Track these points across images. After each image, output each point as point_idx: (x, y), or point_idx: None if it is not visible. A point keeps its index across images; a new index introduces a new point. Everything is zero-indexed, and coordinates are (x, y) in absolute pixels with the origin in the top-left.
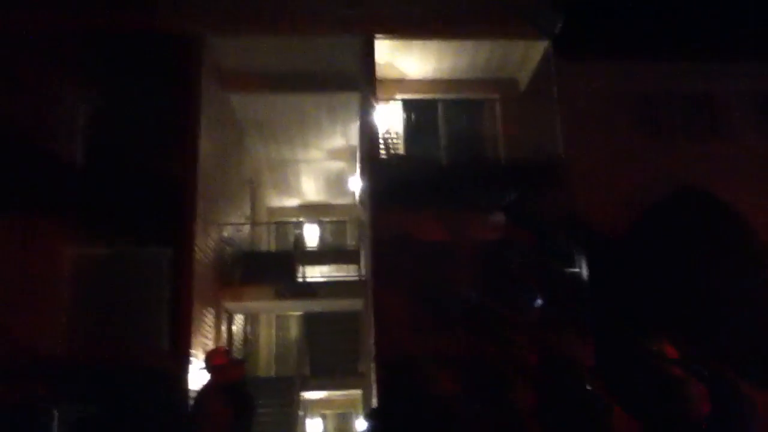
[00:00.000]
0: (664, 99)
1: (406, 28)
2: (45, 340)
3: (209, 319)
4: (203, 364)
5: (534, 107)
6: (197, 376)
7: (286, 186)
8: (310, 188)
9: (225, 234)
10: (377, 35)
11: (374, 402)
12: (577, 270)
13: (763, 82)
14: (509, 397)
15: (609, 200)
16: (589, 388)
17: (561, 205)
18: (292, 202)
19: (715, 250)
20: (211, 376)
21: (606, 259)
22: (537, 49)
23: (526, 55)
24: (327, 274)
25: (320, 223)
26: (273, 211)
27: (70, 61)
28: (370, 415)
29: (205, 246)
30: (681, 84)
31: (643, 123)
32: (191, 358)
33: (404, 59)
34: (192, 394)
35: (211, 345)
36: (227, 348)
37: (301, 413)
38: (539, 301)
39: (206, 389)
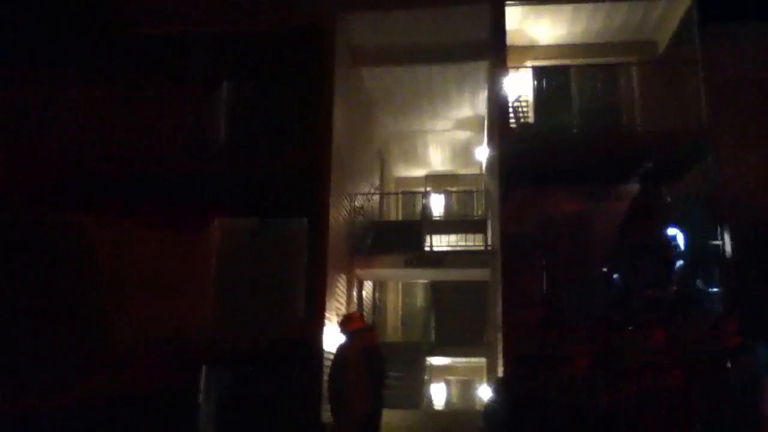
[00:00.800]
0: None
1: None
2: (196, 316)
3: (342, 285)
4: (341, 328)
5: (675, 72)
6: (333, 340)
7: (414, 156)
8: (438, 158)
9: (356, 204)
10: (507, 1)
11: (499, 371)
12: (719, 243)
13: None
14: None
15: (757, 176)
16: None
17: (704, 179)
18: (419, 172)
19: None
20: (349, 340)
21: (750, 237)
22: (679, 8)
23: (666, 15)
24: (453, 244)
25: (447, 193)
26: (401, 181)
27: (216, 59)
28: (497, 385)
29: (339, 216)
30: None
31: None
32: (326, 323)
33: (535, 25)
34: (329, 357)
35: (343, 310)
36: (358, 313)
37: (426, 378)
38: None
39: (346, 352)
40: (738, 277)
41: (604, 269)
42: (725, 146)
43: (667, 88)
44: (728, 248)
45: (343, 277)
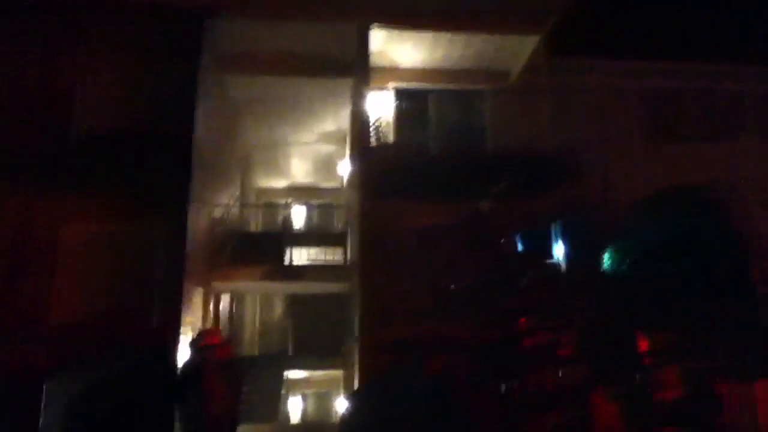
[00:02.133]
0: (661, 97)
1: (401, 18)
2: (42, 315)
3: (198, 298)
4: (194, 343)
5: (525, 100)
6: (186, 354)
7: (276, 167)
8: (300, 170)
9: (215, 214)
10: (373, 23)
11: (355, 384)
12: (557, 261)
13: (760, 83)
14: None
15: (611, 194)
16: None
17: (551, 198)
18: (281, 183)
19: (700, 249)
20: (204, 355)
21: (591, 253)
22: (529, 42)
23: (518, 48)
24: (314, 257)
25: (309, 206)
26: (262, 191)
27: (75, 29)
28: (352, 396)
29: (197, 225)
30: (679, 82)
31: (640, 121)
32: (181, 336)
33: (398, 48)
34: (187, 372)
35: (199, 324)
36: (218, 328)
37: (282, 392)
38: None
39: (200, 366)
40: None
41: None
42: (571, 169)
43: (518, 115)
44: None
45: (200, 289)
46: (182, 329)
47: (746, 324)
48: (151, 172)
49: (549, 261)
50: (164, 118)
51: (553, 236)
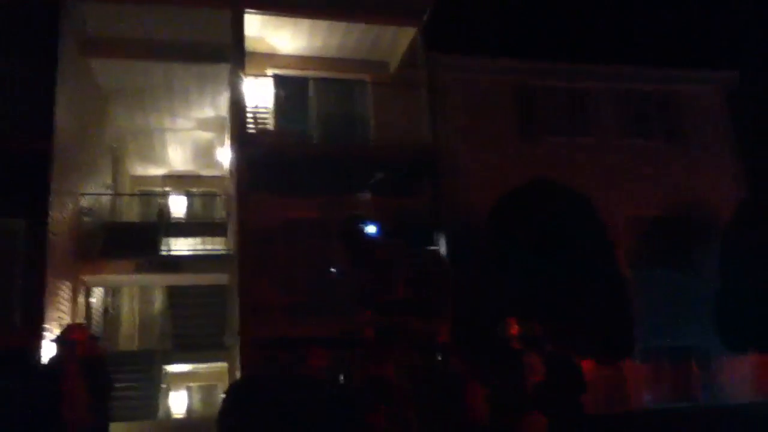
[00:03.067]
0: (536, 95)
1: (275, 4)
2: None
3: (65, 292)
4: (57, 340)
5: (404, 93)
6: (50, 352)
7: (153, 155)
8: (178, 158)
9: (83, 204)
10: (247, 9)
11: (237, 375)
12: (436, 249)
13: (626, 81)
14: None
15: (475, 188)
16: (440, 359)
17: (427, 190)
18: (158, 171)
19: (565, 238)
20: (66, 351)
21: (465, 242)
22: (406, 36)
23: (395, 40)
24: (194, 247)
25: (189, 195)
26: (138, 180)
27: None
28: (228, 390)
29: (61, 217)
30: (552, 81)
31: (514, 117)
32: (45, 333)
33: (275, 34)
34: (45, 370)
35: (67, 319)
36: (84, 323)
37: (164, 386)
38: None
39: (62, 365)
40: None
41: (332, 269)
42: (447, 161)
43: (397, 105)
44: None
45: (67, 283)
46: (49, 326)
47: (611, 308)
48: (8, 160)
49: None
50: (22, 107)
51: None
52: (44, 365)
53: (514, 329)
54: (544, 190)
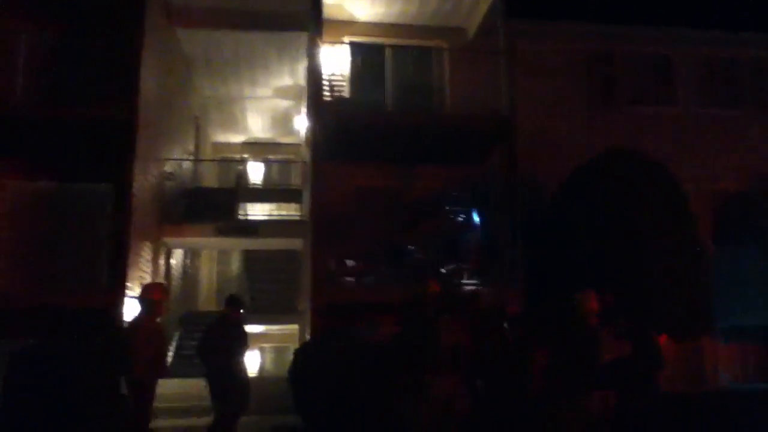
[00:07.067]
0: (613, 61)
1: None
2: None
3: (147, 253)
4: (139, 297)
5: (482, 60)
6: (132, 310)
7: (233, 123)
8: (257, 126)
9: (167, 169)
10: None
11: (307, 338)
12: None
13: (710, 46)
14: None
15: (554, 158)
16: (506, 331)
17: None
18: (237, 138)
19: (644, 210)
20: (146, 310)
21: (540, 213)
22: (485, 1)
23: (474, 6)
24: (270, 213)
25: (266, 161)
26: (218, 147)
27: None
28: (297, 351)
29: (145, 181)
30: (632, 47)
31: (592, 84)
32: (127, 292)
33: (353, 1)
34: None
35: (148, 279)
36: (164, 282)
37: None
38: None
39: (139, 321)
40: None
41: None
42: (525, 131)
43: (475, 74)
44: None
45: (150, 245)
46: (130, 285)
47: (690, 284)
48: (95, 129)
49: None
50: (108, 76)
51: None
52: (125, 323)
53: (591, 303)
54: (622, 159)
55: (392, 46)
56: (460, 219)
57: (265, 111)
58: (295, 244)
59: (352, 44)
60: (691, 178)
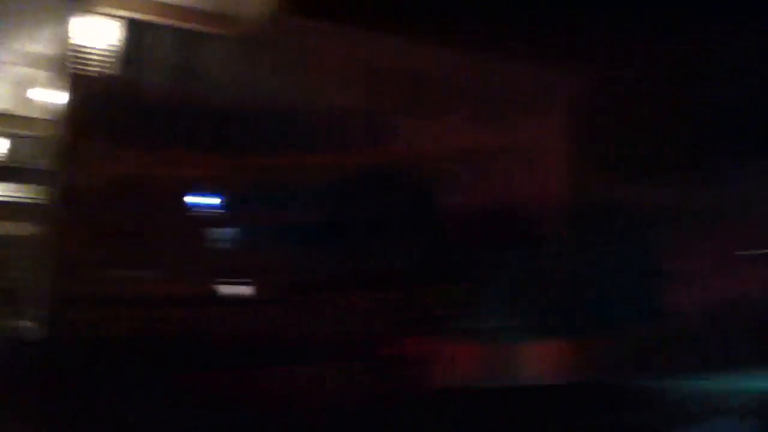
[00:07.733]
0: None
1: None
2: None
3: None
4: None
5: (254, 52)
6: None
7: None
8: None
9: None
10: None
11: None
12: None
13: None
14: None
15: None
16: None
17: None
18: None
19: None
20: None
21: None
22: None
23: None
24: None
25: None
26: None
27: None
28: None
29: None
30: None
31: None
32: None
33: None
34: None
35: None
36: None
37: None
38: None
39: None
40: None
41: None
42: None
43: (248, 63)
44: None
45: None
46: None
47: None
48: None
49: None
50: None
51: None
52: None
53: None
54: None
55: (167, 27)
56: None
57: (6, 79)
58: (33, 229)
59: (123, 19)
60: None
